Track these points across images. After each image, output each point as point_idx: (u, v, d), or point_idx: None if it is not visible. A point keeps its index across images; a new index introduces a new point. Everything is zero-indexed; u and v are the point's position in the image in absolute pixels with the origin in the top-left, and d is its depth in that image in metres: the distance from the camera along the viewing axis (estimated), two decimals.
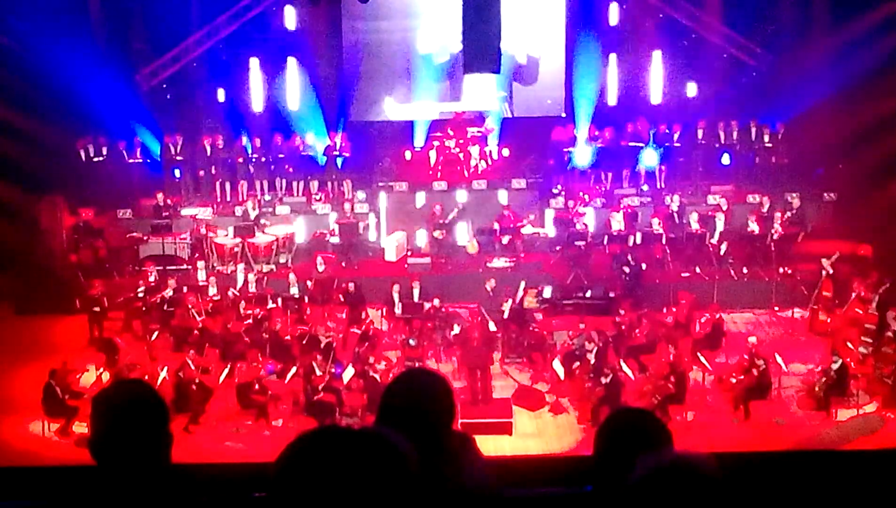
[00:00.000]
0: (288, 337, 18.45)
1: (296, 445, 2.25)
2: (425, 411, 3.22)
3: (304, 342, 18.13)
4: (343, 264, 22.10)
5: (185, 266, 21.98)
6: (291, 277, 20.80)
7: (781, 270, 20.99)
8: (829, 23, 24.21)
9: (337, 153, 24.81)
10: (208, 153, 24.68)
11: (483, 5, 14.92)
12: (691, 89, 25.89)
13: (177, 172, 24.88)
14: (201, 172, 25.04)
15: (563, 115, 25.95)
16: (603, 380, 16.34)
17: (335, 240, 22.91)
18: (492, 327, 18.55)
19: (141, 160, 24.74)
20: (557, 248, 22.48)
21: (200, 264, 21.57)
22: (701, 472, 2.27)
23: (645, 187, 24.72)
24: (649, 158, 24.72)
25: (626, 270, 20.75)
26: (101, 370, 17.60)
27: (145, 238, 22.84)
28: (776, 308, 20.65)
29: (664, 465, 2.30)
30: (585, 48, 25.63)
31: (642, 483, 2.27)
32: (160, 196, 23.63)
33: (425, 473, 2.94)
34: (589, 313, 19.24)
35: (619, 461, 2.95)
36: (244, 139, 24.95)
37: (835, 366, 16.50)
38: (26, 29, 21.85)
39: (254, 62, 25.81)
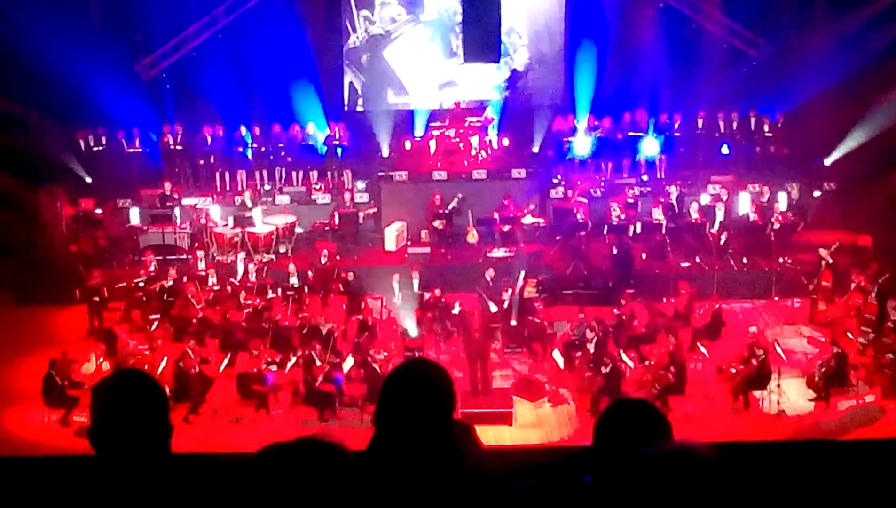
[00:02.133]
0: (288, 327, 18.46)
1: (255, 461, 2.34)
2: (425, 400, 3.22)
3: (303, 331, 18.15)
4: (337, 257, 22.03)
5: (185, 256, 22.00)
6: (291, 267, 20.81)
7: (781, 260, 21.00)
8: (829, 13, 24.19)
9: (337, 143, 24.82)
10: (208, 143, 24.68)
11: None
12: (691, 79, 25.86)
13: (176, 163, 24.87)
14: (201, 162, 25.05)
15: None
16: (603, 370, 16.35)
17: (335, 230, 22.93)
18: (493, 307, 18.53)
19: (140, 150, 24.75)
20: (557, 238, 22.48)
21: (200, 253, 21.58)
22: (701, 460, 2.27)
23: (645, 177, 24.72)
24: (649, 147, 24.72)
25: (615, 250, 20.84)
26: (102, 359, 17.61)
27: (145, 228, 22.84)
28: (776, 298, 20.66)
29: (664, 454, 2.30)
30: (586, 37, 25.61)
31: (643, 472, 2.28)
32: (167, 186, 23.61)
33: (427, 462, 2.95)
34: (589, 303, 19.27)
35: (619, 451, 2.96)
36: (243, 129, 24.94)
37: (834, 356, 16.51)
38: (26, 19, 21.80)
39: (253, 51, 25.75)
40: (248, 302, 19.27)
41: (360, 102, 26.90)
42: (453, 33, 25.42)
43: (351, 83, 26.83)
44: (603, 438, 3.17)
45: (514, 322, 18.65)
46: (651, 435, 2.98)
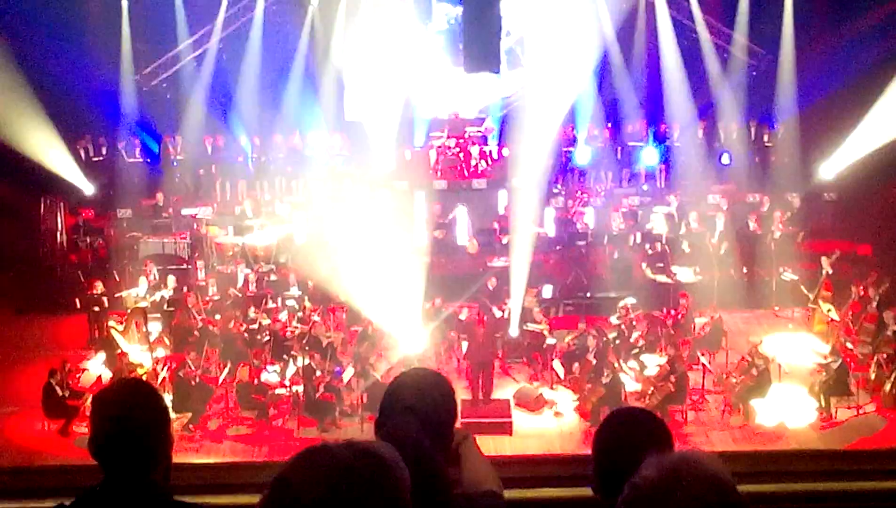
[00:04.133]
0: (288, 337, 18.44)
1: (290, 466, 2.26)
2: (426, 410, 3.22)
3: (304, 341, 18.13)
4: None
5: (185, 266, 21.98)
6: (291, 277, 20.79)
7: (781, 270, 21.00)
8: (828, 22, 24.21)
9: (337, 153, 24.83)
10: (209, 153, 24.70)
11: (483, 5, 14.93)
12: (691, 88, 25.90)
13: (177, 173, 24.89)
14: (201, 172, 25.07)
15: None
16: (603, 380, 16.35)
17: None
18: (497, 312, 18.50)
19: (140, 160, 24.77)
20: (558, 248, 22.48)
21: (200, 263, 21.57)
22: (708, 470, 2.27)
23: (645, 187, 24.75)
24: (649, 157, 24.74)
25: (616, 255, 20.85)
26: (102, 369, 17.60)
27: (145, 238, 22.84)
28: (776, 308, 20.66)
29: (671, 463, 2.29)
30: (585, 47, 25.66)
31: (649, 482, 2.27)
32: (160, 196, 23.64)
33: (426, 472, 2.94)
34: (589, 313, 19.25)
35: (619, 461, 2.95)
36: (244, 139, 24.97)
37: (834, 366, 16.50)
38: (26, 28, 21.83)
39: (253, 61, 25.80)
40: (252, 314, 19.23)
41: (365, 112, 26.88)
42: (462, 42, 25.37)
43: (356, 93, 26.82)
44: (603, 448, 3.17)
45: (514, 333, 18.60)
46: (652, 445, 2.98)
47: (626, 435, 3.14)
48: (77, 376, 17.26)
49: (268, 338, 18.41)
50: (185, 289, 20.08)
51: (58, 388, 16.35)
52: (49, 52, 21.82)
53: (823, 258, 19.89)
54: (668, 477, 2.25)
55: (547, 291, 20.24)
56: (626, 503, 2.30)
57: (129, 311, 19.92)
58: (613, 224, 22.40)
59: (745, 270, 21.37)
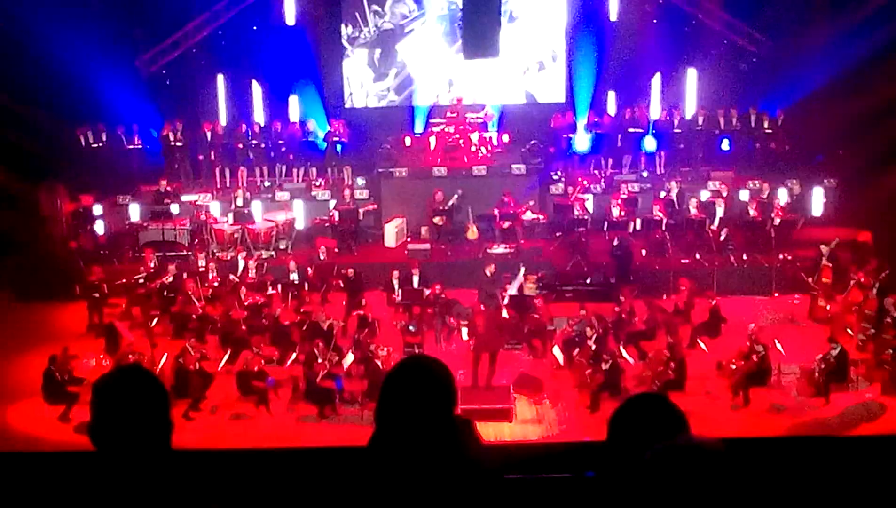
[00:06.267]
0: (288, 323, 18.44)
1: None
2: (426, 396, 3.23)
3: (304, 328, 18.14)
4: (337, 250, 22.01)
5: (184, 252, 21.98)
6: (291, 263, 20.79)
7: (781, 256, 20.99)
8: (828, 9, 24.14)
9: (337, 139, 24.81)
10: (208, 139, 24.66)
11: None
12: (691, 75, 25.85)
13: (176, 159, 24.84)
14: (201, 158, 25.04)
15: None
16: (603, 366, 16.35)
17: (335, 226, 22.91)
18: (504, 314, 18.47)
19: (140, 146, 24.73)
20: (557, 234, 22.48)
21: (200, 250, 21.55)
22: (710, 454, 2.28)
23: (645, 174, 24.72)
24: (649, 144, 24.71)
25: (616, 242, 20.83)
26: (102, 356, 17.62)
27: (145, 224, 22.82)
28: (776, 294, 20.66)
29: (673, 448, 2.30)
30: (586, 34, 25.62)
31: (652, 465, 2.28)
32: (163, 183, 23.57)
33: (428, 457, 2.95)
34: (589, 300, 19.25)
35: (634, 447, 2.95)
36: (244, 125, 24.93)
37: (834, 352, 16.51)
38: (26, 15, 21.76)
39: (254, 46, 25.74)
40: (249, 300, 19.23)
41: (367, 97, 26.85)
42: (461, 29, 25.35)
43: (360, 80, 26.76)
44: (618, 433, 3.17)
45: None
46: (666, 430, 2.98)
47: (642, 422, 3.14)
48: (77, 362, 17.25)
49: (267, 325, 18.42)
50: (185, 276, 20.07)
51: (58, 374, 16.38)
52: (49, 37, 21.73)
53: (823, 246, 19.88)
54: (671, 461, 2.25)
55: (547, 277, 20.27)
56: (630, 486, 2.30)
57: (128, 297, 19.98)
58: (613, 211, 22.38)
59: (744, 256, 21.36)
